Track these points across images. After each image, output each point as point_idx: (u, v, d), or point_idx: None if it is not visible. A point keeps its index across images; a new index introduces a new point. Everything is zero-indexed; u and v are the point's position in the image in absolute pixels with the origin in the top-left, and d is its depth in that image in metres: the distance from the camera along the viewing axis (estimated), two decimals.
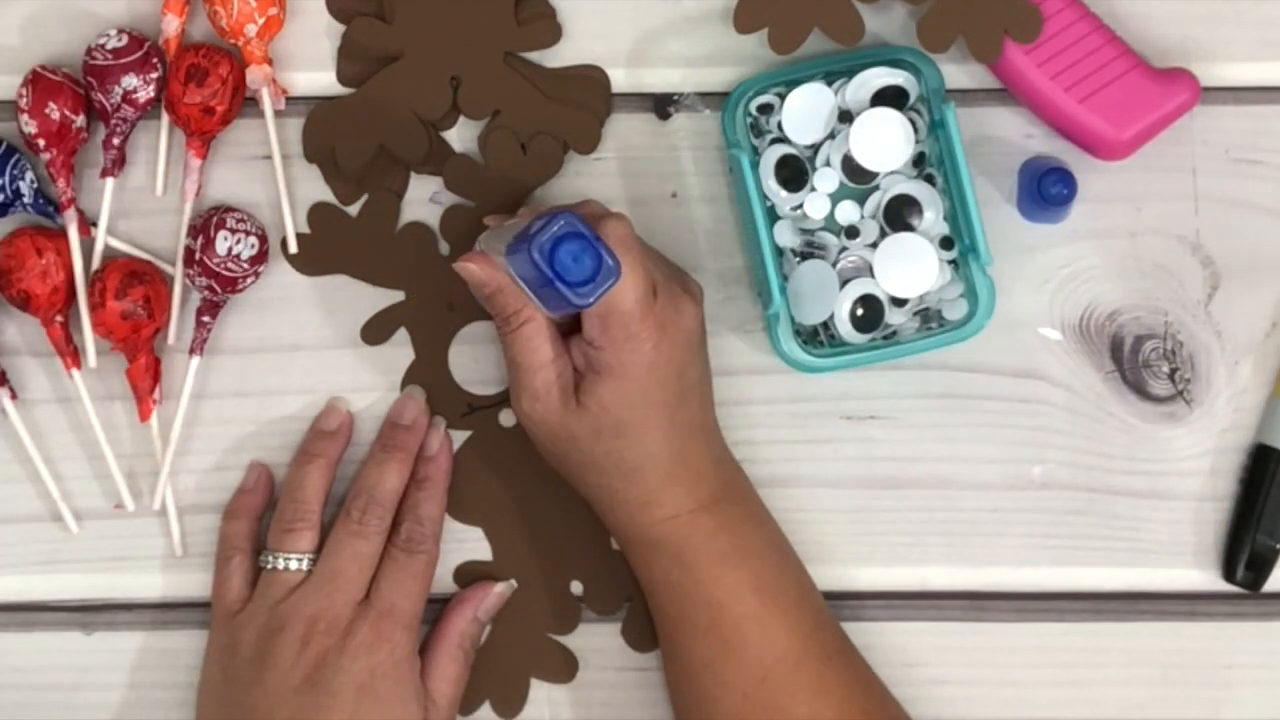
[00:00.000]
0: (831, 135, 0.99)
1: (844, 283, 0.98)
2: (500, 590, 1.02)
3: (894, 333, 1.00)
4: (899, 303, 0.99)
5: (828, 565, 1.01)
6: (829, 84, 1.00)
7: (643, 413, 0.95)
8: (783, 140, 1.00)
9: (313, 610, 0.97)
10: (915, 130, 0.99)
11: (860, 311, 0.98)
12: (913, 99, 0.99)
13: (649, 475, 0.96)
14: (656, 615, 0.99)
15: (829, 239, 0.99)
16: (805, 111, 0.99)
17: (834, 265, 0.99)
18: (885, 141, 0.98)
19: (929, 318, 1.00)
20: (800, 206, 1.00)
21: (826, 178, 0.99)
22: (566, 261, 0.87)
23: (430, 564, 0.99)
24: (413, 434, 1.01)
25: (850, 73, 0.99)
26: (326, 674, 0.95)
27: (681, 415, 0.96)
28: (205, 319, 1.01)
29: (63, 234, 1.01)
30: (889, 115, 0.98)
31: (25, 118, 1.00)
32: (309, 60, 1.03)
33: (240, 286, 1.01)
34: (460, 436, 1.03)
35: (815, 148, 1.00)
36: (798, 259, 1.00)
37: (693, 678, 0.97)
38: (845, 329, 0.98)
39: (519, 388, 0.96)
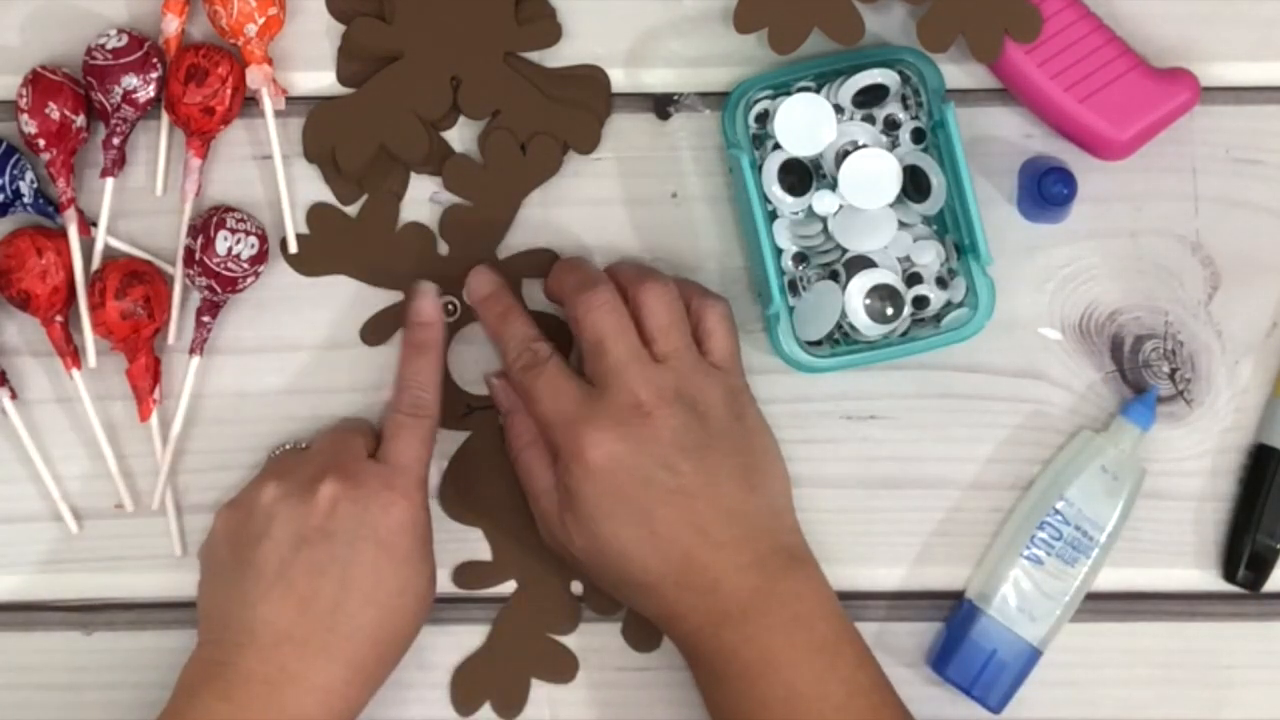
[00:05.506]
0: (838, 154, 0.99)
1: (850, 277, 0.98)
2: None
3: (907, 330, 0.99)
4: (913, 281, 0.99)
5: (828, 565, 1.01)
6: (819, 89, 1.00)
7: (609, 528, 0.94)
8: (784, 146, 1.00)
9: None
10: (903, 110, 0.99)
11: (872, 302, 0.98)
12: (892, 93, 0.99)
13: (657, 587, 0.95)
14: None
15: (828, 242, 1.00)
16: (799, 123, 0.99)
17: (834, 265, 0.99)
18: (875, 179, 0.98)
19: (927, 306, 1.00)
20: (801, 212, 1.00)
21: (825, 200, 0.99)
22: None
23: (433, 428, 0.99)
24: (435, 328, 1.01)
25: (850, 73, 0.99)
26: (341, 523, 0.95)
27: (665, 524, 0.94)
28: (205, 319, 1.01)
29: (63, 234, 1.01)
30: (877, 154, 0.98)
31: (25, 118, 1.00)
32: (309, 60, 1.03)
33: (240, 286, 1.01)
34: (460, 436, 1.03)
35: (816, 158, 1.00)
36: (798, 265, 1.00)
37: None
38: (862, 322, 0.98)
39: (536, 516, 1.00)
